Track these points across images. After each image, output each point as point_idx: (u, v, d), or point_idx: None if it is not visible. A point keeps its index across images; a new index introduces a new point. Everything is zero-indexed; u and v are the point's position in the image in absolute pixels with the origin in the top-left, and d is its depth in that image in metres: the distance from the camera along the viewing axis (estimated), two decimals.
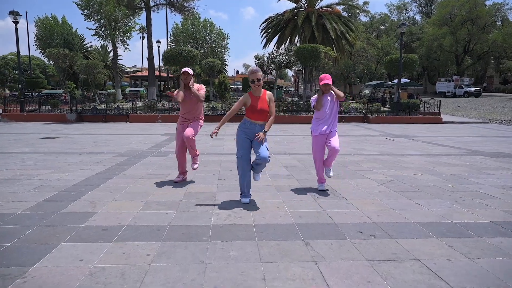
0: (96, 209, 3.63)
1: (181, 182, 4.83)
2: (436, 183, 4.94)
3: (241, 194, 3.97)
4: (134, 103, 16.46)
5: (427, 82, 50.47)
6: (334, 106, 4.32)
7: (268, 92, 3.89)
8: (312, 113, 4.59)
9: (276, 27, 30.61)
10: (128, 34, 26.82)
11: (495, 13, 43.46)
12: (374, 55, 44.50)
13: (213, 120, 14.27)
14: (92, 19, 24.41)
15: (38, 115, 15.33)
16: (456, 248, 2.76)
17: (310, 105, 4.43)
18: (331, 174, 4.46)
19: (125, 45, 27.02)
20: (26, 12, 34.99)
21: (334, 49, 25.31)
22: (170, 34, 35.85)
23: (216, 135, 3.78)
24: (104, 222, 3.25)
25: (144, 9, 22.11)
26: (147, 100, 18.80)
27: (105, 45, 40.16)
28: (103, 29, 25.20)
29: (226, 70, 50.49)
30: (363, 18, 54.73)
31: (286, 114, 16.11)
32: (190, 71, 4.55)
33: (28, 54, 33.82)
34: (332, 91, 4.27)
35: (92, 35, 25.90)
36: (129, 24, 26.70)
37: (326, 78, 4.22)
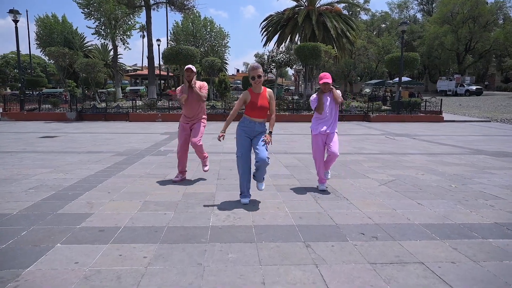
0: (93, 209, 3.57)
1: (180, 181, 4.78)
2: (439, 183, 4.87)
3: (240, 194, 3.91)
4: (134, 101, 16.40)
5: (428, 80, 50.29)
6: (334, 106, 4.26)
7: (268, 89, 3.83)
8: (312, 112, 4.52)
9: (277, 26, 30.54)
10: (128, 33, 26.79)
11: (497, 11, 43.23)
12: (375, 54, 44.34)
13: (213, 119, 14.22)
14: (92, 17, 24.35)
15: (38, 114, 15.29)
16: (460, 251, 2.69)
17: (310, 104, 4.37)
18: (329, 176, 4.45)
19: (125, 44, 27.02)
20: (27, 11, 35.04)
21: (335, 47, 25.25)
22: (170, 32, 35.73)
23: (223, 138, 3.75)
24: (101, 223, 3.19)
25: (144, 7, 22.06)
26: (147, 98, 18.75)
27: (105, 43, 40.14)
28: (103, 27, 25.14)
29: (226, 69, 50.42)
30: (364, 17, 54.51)
31: (287, 113, 16.04)
32: (194, 68, 4.55)
33: (28, 53, 33.81)
34: (332, 92, 4.21)
35: (92, 34, 25.86)
36: (129, 22, 26.65)
37: (326, 77, 4.15)
